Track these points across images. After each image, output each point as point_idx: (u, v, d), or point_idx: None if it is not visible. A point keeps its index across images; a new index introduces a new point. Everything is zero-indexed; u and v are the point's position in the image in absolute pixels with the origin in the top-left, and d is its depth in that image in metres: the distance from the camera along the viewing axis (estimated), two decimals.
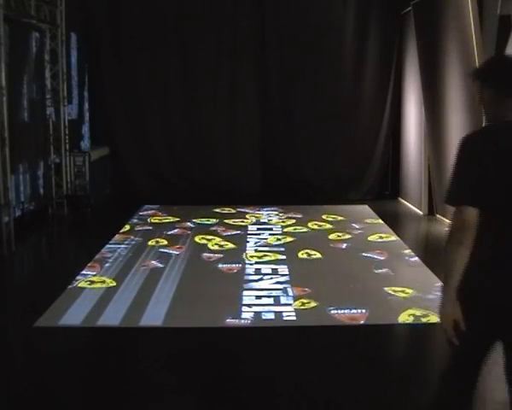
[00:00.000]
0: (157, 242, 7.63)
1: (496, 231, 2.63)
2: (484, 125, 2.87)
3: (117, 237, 7.91)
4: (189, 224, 8.66)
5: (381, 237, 7.89)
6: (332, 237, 7.97)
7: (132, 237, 7.93)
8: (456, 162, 2.67)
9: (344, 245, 7.56)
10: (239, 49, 10.57)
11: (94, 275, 6.31)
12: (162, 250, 7.27)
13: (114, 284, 6.02)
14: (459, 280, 2.62)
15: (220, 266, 6.67)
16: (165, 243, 7.59)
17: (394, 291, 5.83)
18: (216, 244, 7.55)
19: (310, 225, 8.62)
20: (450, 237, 2.62)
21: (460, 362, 2.83)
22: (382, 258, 6.94)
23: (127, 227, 8.47)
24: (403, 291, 5.81)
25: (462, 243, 2.59)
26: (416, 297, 5.63)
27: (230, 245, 7.51)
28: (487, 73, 2.74)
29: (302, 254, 7.10)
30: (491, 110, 2.72)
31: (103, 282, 6.07)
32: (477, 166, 2.61)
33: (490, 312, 2.64)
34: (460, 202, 2.61)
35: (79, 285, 5.99)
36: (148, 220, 8.93)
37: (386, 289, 5.89)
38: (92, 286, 5.94)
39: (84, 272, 6.40)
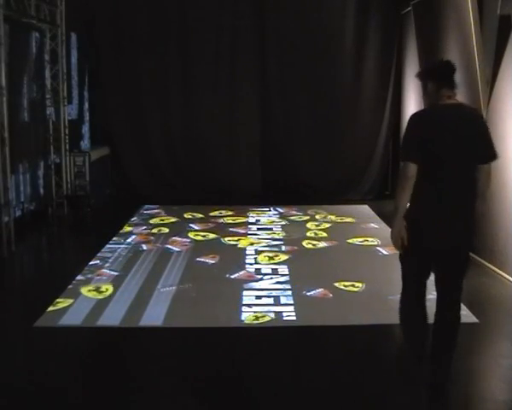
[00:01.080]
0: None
1: (430, 178, 3.74)
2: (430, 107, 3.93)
3: (117, 237, 7.92)
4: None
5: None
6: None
7: (132, 236, 7.93)
8: (406, 131, 3.84)
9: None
10: (239, 49, 10.57)
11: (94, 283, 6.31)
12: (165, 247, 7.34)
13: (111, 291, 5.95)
14: (405, 212, 3.79)
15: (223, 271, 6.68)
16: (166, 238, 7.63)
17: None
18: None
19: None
20: (399, 184, 3.80)
21: (409, 275, 3.93)
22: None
23: (127, 227, 8.47)
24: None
25: (406, 188, 3.74)
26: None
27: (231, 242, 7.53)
28: (430, 73, 3.92)
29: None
30: (433, 98, 3.87)
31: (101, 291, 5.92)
32: (421, 134, 3.74)
33: (425, 231, 3.77)
34: (406, 159, 3.74)
35: (80, 290, 5.98)
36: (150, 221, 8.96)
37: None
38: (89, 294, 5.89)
39: (83, 273, 6.41)
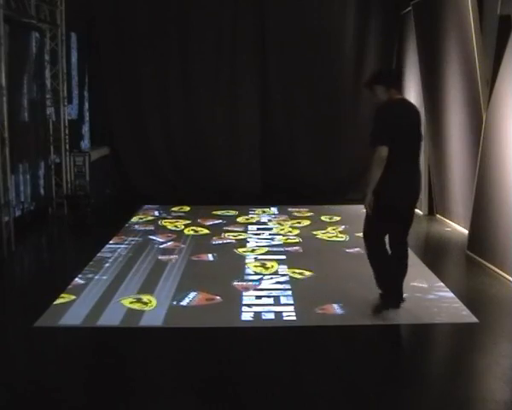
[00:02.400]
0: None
1: (397, 159, 4.86)
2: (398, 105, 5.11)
3: (117, 237, 7.92)
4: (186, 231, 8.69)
5: None
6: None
7: (132, 236, 7.94)
8: (376, 121, 4.97)
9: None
10: (239, 49, 10.57)
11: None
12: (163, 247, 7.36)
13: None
14: (376, 186, 4.91)
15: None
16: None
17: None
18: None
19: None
20: (372, 163, 4.92)
21: (378, 227, 5.14)
22: None
23: (127, 227, 8.47)
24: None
25: (381, 167, 4.86)
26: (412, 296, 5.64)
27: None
28: (377, 79, 5.13)
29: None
30: (384, 97, 5.04)
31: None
32: (388, 123, 4.90)
33: (392, 201, 4.94)
34: (378, 144, 4.87)
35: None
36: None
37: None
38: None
39: (83, 273, 6.41)
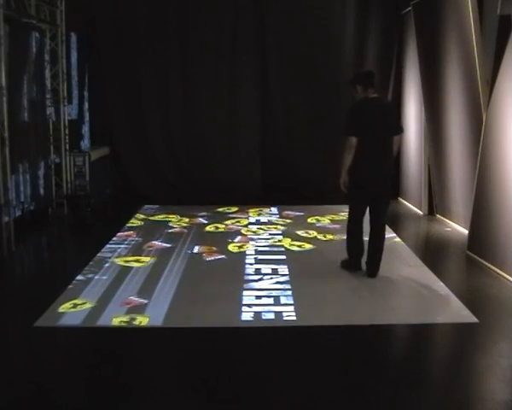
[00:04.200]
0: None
1: (364, 147, 5.90)
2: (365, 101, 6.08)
3: (117, 236, 7.92)
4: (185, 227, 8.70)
5: None
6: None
7: (132, 236, 7.94)
8: (348, 115, 6.08)
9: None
10: (239, 49, 10.58)
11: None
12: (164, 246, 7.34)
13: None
14: (348, 169, 5.97)
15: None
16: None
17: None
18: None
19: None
20: (346, 151, 5.96)
21: (354, 207, 6.24)
22: None
23: (127, 227, 8.48)
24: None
25: (351, 153, 5.92)
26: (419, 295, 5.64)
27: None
28: (357, 79, 6.18)
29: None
30: (361, 95, 6.08)
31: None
32: (358, 117, 6.01)
33: (360, 179, 5.99)
34: (349, 134, 5.95)
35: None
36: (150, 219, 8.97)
37: None
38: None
39: (83, 273, 6.41)
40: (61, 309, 5.34)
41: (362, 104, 6.07)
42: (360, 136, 5.89)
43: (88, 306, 5.43)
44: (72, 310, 5.33)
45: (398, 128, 6.25)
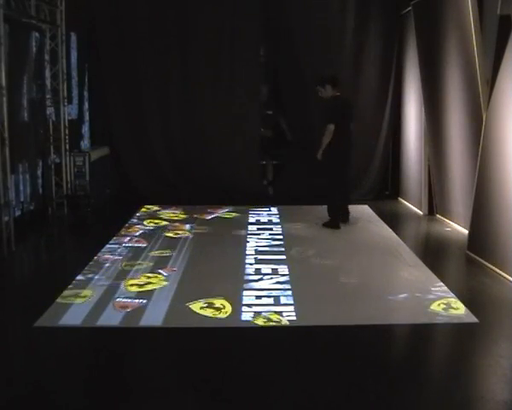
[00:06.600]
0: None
1: (342, 133, 8.04)
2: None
3: (117, 236, 7.92)
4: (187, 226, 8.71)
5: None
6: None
7: (132, 236, 7.94)
8: (331, 109, 8.11)
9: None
10: (239, 49, 10.56)
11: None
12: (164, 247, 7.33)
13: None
14: (329, 147, 8.10)
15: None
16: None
17: None
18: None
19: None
20: (326, 134, 8.05)
21: (338, 177, 8.40)
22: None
23: (127, 227, 8.48)
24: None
25: (327, 137, 8.04)
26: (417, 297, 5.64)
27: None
28: (328, 80, 8.23)
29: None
30: (330, 93, 8.20)
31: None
32: (338, 110, 8.13)
33: (343, 150, 8.22)
34: (330, 122, 8.00)
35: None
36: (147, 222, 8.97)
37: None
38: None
39: (83, 273, 6.41)
40: (60, 300, 5.35)
41: (338, 100, 8.17)
42: (338, 123, 7.99)
43: (88, 306, 5.44)
44: (74, 300, 5.34)
45: (353, 119, 8.48)
